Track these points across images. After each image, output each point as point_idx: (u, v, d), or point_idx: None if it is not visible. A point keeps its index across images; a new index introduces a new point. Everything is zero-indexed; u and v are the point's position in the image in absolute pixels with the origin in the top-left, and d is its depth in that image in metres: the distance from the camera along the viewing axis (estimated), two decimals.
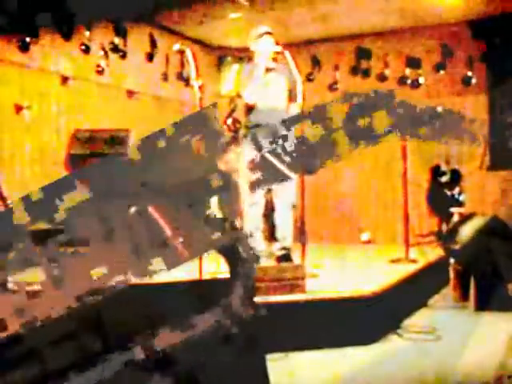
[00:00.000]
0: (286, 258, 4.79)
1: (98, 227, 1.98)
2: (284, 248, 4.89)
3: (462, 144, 7.06)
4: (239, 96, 4.78)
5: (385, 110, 2.74)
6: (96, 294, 1.92)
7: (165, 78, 7.54)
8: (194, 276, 4.17)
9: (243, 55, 5.08)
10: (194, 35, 7.91)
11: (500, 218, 5.58)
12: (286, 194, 4.84)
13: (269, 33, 4.86)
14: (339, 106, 2.66)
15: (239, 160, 2.48)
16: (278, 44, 4.84)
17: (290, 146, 2.69)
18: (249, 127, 4.77)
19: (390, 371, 3.53)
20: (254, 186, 2.64)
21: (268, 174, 2.68)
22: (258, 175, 2.68)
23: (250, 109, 4.78)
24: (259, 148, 2.79)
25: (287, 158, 2.74)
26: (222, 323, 2.15)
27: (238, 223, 2.31)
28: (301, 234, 4.77)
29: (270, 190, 4.92)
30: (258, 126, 4.69)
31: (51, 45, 6.17)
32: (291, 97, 4.88)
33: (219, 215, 2.25)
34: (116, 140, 6.28)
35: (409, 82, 7.65)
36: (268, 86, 4.86)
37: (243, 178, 2.49)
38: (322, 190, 8.06)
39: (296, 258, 4.83)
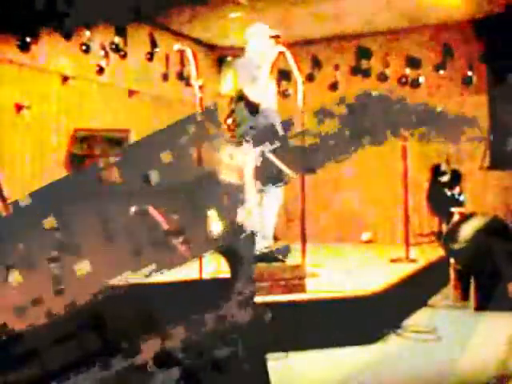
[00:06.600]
0: (272, 257, 4.73)
1: (98, 227, 1.98)
2: (266, 247, 4.86)
3: (462, 144, 7.07)
4: (242, 94, 4.76)
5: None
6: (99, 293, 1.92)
7: (165, 77, 7.54)
8: (194, 276, 4.17)
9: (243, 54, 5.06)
10: (194, 35, 7.91)
11: (500, 218, 5.57)
12: (275, 194, 4.84)
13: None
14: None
15: (240, 160, 2.48)
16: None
17: (290, 146, 2.69)
18: (252, 127, 4.76)
19: (390, 371, 3.53)
20: (255, 186, 2.64)
21: (270, 174, 2.69)
22: (260, 175, 2.69)
23: (252, 109, 4.76)
24: (261, 148, 2.80)
25: (288, 158, 2.75)
26: (223, 323, 2.15)
27: (238, 223, 2.31)
28: (301, 233, 4.76)
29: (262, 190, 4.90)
30: (258, 127, 4.69)
31: (51, 44, 6.17)
32: None
33: (219, 215, 2.24)
34: (116, 140, 6.29)
35: (409, 81, 7.64)
36: (267, 89, 4.88)
37: (245, 177, 2.49)
38: (322, 189, 8.05)
39: (296, 257, 4.82)
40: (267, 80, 4.87)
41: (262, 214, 4.77)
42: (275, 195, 4.83)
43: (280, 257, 4.78)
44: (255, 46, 4.88)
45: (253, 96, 4.70)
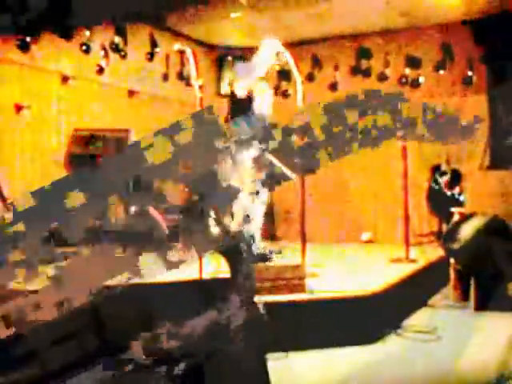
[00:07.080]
0: (263, 257, 4.73)
1: (98, 227, 1.98)
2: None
3: (461, 143, 7.07)
4: (233, 95, 4.75)
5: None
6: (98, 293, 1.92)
7: (165, 77, 7.54)
8: (194, 276, 4.17)
9: (243, 55, 5.06)
10: (194, 35, 7.91)
11: (500, 218, 5.57)
12: (262, 198, 4.82)
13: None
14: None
15: (241, 161, 2.48)
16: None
17: (289, 147, 2.68)
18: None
19: (390, 371, 3.53)
20: (252, 188, 2.63)
21: (270, 175, 2.68)
22: (260, 176, 2.68)
23: (243, 105, 4.72)
24: (261, 150, 2.79)
25: (288, 159, 2.74)
26: (222, 323, 2.14)
27: (238, 223, 2.31)
28: (301, 233, 4.76)
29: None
30: (254, 129, 4.68)
31: (52, 45, 6.17)
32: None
33: (218, 216, 2.24)
34: (116, 140, 6.28)
35: (409, 81, 7.64)
36: (264, 92, 4.89)
37: (245, 178, 2.49)
38: (322, 190, 8.05)
39: (296, 257, 4.83)
40: (262, 77, 4.87)
41: (253, 216, 4.76)
42: (262, 199, 4.83)
43: (269, 256, 4.78)
44: (263, 56, 4.91)
45: (242, 90, 4.68)
